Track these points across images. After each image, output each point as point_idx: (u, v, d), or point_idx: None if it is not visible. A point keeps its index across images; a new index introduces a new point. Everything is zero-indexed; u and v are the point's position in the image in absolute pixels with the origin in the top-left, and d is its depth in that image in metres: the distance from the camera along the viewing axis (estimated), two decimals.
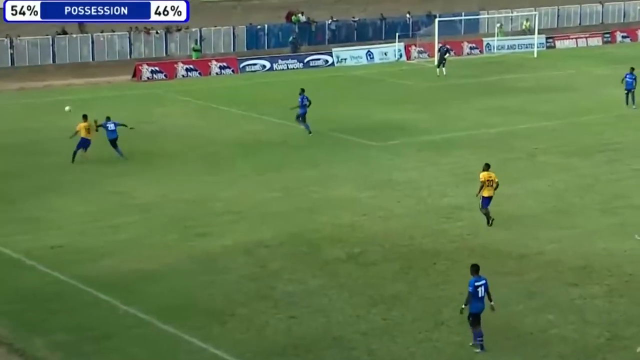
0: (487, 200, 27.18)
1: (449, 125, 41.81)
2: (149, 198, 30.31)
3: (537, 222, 28.03)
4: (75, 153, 34.46)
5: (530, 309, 21.68)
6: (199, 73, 56.26)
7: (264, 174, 33.26)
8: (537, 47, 65.84)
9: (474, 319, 19.55)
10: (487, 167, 27.39)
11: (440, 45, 58.51)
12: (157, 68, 55.27)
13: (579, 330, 20.66)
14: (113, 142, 35.14)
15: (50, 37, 57.56)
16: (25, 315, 21.28)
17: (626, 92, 45.02)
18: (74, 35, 58.62)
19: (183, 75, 55.71)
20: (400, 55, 62.86)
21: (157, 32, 60.93)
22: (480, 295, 19.53)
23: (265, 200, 30.15)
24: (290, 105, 40.28)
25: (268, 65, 58.53)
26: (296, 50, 62.37)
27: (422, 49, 63.30)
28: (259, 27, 64.88)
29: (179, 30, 61.58)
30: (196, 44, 60.29)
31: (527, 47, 66.83)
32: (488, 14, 71.90)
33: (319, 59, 60.33)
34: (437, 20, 62.11)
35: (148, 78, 54.39)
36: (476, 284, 19.53)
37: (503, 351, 19.67)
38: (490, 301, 19.82)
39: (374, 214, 28.71)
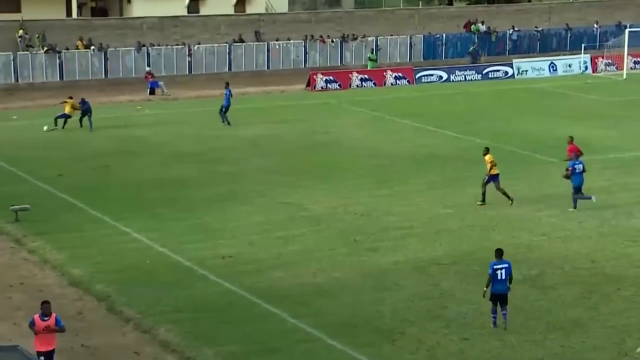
0: (496, 177, 30.13)
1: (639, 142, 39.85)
2: (319, 210, 30.08)
3: None
4: (56, 119, 41.83)
5: None
6: (374, 83, 55.96)
7: (438, 189, 32.55)
8: None
9: (492, 298, 21.01)
10: (487, 150, 30.62)
11: None
12: (331, 77, 55.28)
13: None
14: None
15: (227, 44, 58.60)
16: (196, 325, 21.38)
17: None
18: (250, 44, 59.49)
19: (357, 85, 55.53)
20: (586, 68, 60.62)
21: (332, 41, 61.09)
22: (499, 278, 20.84)
23: (438, 216, 29.43)
24: (466, 119, 39.31)
25: (445, 76, 57.59)
26: (476, 61, 61.25)
27: (609, 61, 60.82)
28: (436, 36, 64.10)
29: (354, 39, 61.57)
30: (372, 53, 60.07)
31: None
32: None
33: (498, 70, 58.94)
34: (627, 30, 59.61)
35: (322, 87, 54.49)
36: (495, 266, 20.90)
37: None
38: (509, 283, 21.04)
39: (554, 235, 27.61)
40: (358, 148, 38.94)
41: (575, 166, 29.64)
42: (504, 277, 20.89)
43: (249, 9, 67.60)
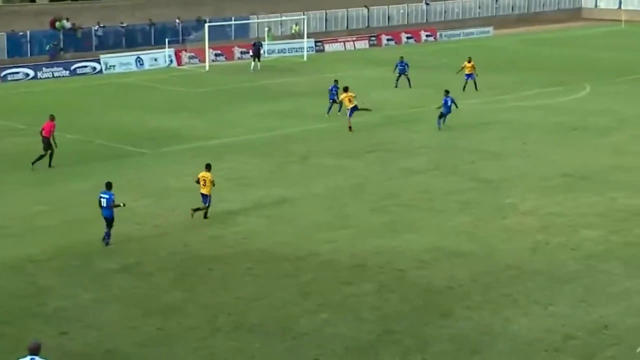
0: None
1: (225, 130, 41.67)
2: None
3: (313, 224, 28.33)
4: None
5: (305, 310, 21.85)
6: None
7: (30, 187, 32.11)
8: (307, 51, 66.95)
9: (106, 222, 26.05)
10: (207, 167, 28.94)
11: (254, 41, 61.51)
12: None
13: (353, 327, 20.98)
14: None
15: None
16: None
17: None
18: None
19: None
20: (171, 61, 62.31)
21: None
22: (102, 205, 25.99)
23: (34, 214, 28.98)
24: (57, 116, 38.70)
25: (32, 73, 56.52)
26: (54, 57, 60.40)
27: (193, 54, 63.03)
28: (21, 34, 62.48)
29: None
30: None
31: (297, 51, 67.83)
32: (258, 18, 72.24)
33: (86, 66, 58.82)
34: (207, 25, 62.09)
35: None
36: (101, 195, 26.10)
37: (278, 355, 19.72)
38: (114, 206, 25.92)
39: (149, 223, 28.26)
40: None
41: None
42: (106, 205, 25.87)
43: None
